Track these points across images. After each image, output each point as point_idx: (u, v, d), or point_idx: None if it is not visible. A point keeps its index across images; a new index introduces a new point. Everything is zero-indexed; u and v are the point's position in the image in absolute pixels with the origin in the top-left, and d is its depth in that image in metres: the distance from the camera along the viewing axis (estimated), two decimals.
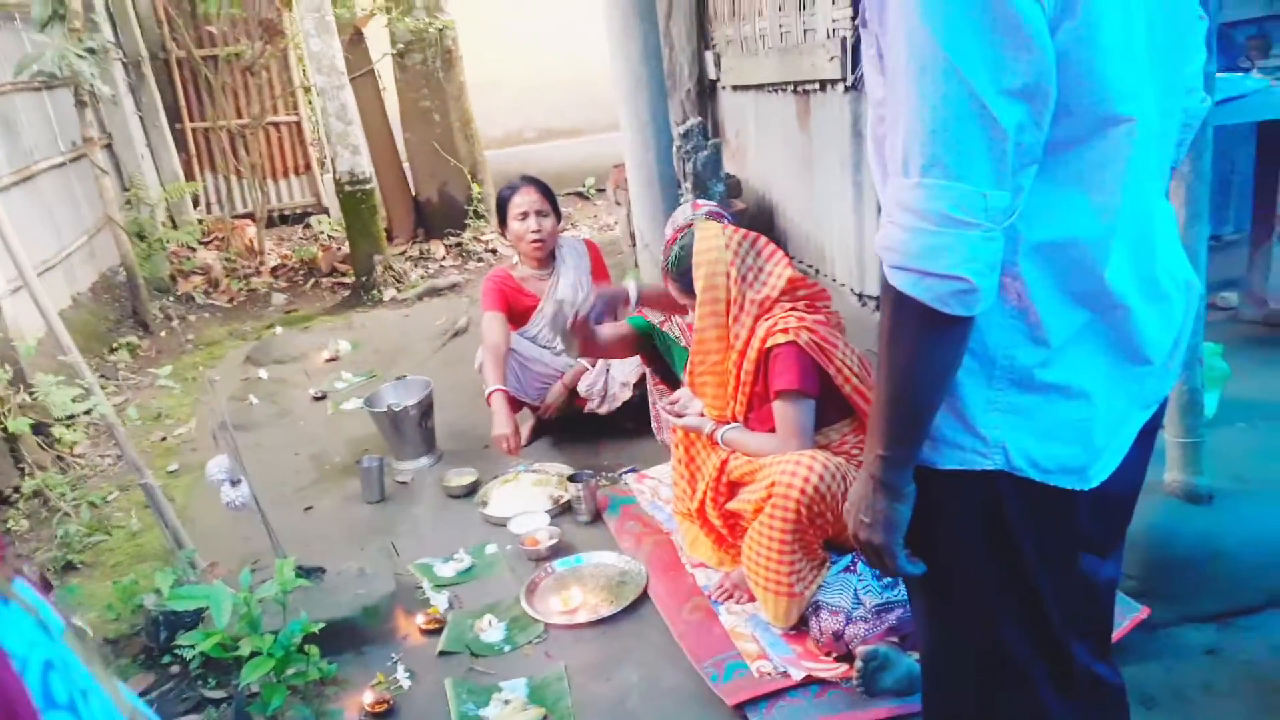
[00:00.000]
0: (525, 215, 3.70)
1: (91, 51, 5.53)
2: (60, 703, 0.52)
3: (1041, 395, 1.14)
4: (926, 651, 1.41)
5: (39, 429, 3.91)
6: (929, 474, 1.20)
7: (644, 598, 2.64)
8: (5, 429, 3.69)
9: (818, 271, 4.27)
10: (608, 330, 3.02)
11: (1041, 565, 1.21)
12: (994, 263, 1.02)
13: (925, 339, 1.07)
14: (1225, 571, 2.21)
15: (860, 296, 3.86)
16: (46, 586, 2.73)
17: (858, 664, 2.04)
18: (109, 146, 7.03)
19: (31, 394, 3.87)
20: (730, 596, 2.52)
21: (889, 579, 2.25)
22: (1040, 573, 1.22)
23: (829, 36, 3.62)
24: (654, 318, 3.11)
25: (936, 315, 1.03)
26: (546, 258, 3.81)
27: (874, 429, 1.17)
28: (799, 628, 2.33)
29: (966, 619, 1.30)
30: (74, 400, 3.87)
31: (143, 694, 2.45)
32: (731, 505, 2.49)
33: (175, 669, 2.53)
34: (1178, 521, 2.24)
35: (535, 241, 3.71)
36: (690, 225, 2.66)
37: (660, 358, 3.15)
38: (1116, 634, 2.11)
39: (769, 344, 2.39)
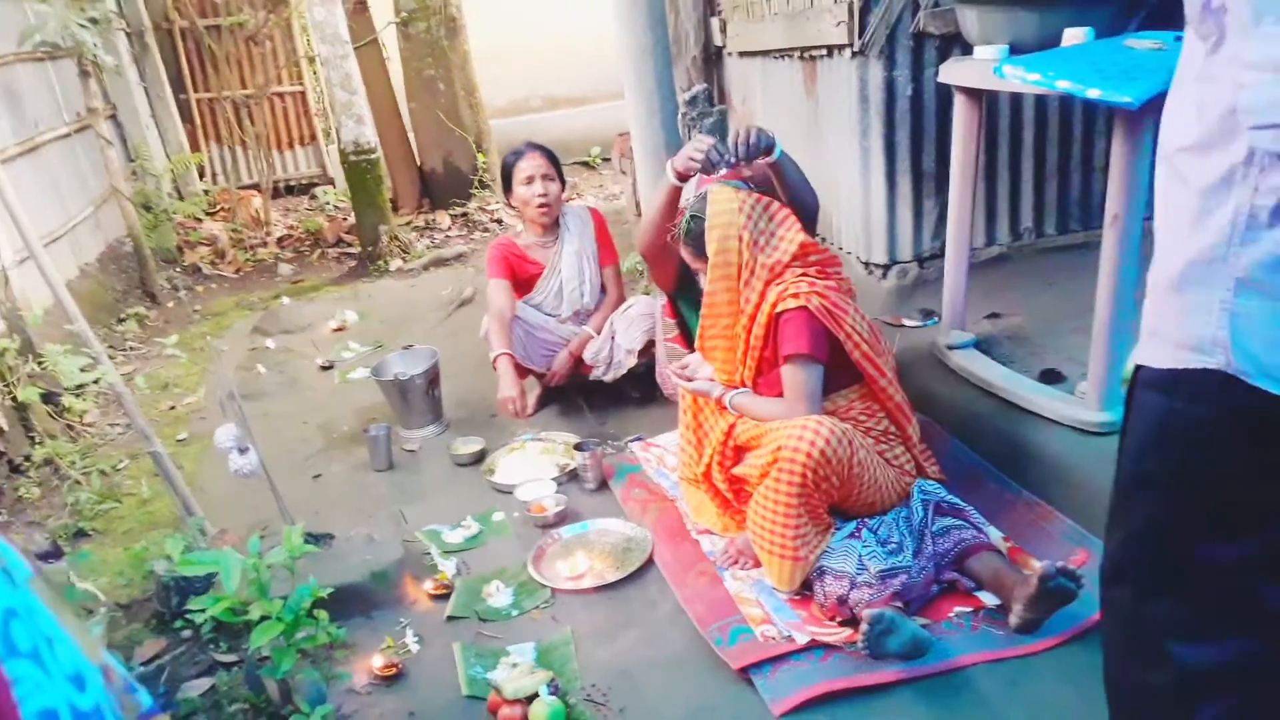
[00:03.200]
0: (531, 180, 3.69)
1: (94, 21, 5.50)
2: (23, 650, 0.51)
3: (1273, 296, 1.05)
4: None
5: (48, 398, 3.93)
6: (1143, 374, 1.19)
7: (649, 564, 2.66)
8: (15, 398, 3.71)
9: (824, 240, 4.25)
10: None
11: (1263, 494, 1.11)
12: None
13: None
14: None
15: (867, 265, 3.84)
16: (58, 553, 2.75)
17: (863, 627, 2.06)
18: (113, 117, 7.02)
19: (40, 363, 3.89)
20: (735, 562, 2.54)
21: (893, 546, 2.26)
22: (1262, 504, 1.11)
23: (836, 1, 3.57)
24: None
25: None
26: (551, 224, 3.80)
27: None
28: (803, 592, 2.35)
29: (1152, 527, 1.22)
30: (82, 370, 3.90)
31: (155, 658, 2.48)
32: (738, 470, 2.49)
33: (187, 634, 2.56)
34: None
35: (541, 206, 3.69)
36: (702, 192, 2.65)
37: (684, 310, 3.15)
38: None
39: (779, 309, 2.39)
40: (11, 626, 0.51)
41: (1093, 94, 2.17)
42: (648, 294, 4.12)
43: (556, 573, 2.69)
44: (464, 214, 7.52)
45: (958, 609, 2.25)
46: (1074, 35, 2.51)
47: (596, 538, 2.85)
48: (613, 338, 3.64)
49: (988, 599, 2.25)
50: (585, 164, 9.15)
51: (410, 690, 2.29)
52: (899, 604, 2.18)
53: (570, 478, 3.22)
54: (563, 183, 3.79)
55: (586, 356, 3.68)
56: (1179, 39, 2.08)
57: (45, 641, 0.53)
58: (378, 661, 2.33)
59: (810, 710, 2.02)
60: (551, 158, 3.75)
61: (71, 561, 2.56)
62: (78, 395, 4.12)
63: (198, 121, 8.37)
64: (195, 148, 8.24)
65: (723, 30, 5.16)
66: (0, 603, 0.50)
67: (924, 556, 2.27)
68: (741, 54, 5.00)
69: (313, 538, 2.70)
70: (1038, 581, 2.01)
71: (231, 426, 2.67)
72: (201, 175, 8.23)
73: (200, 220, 7.45)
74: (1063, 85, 2.25)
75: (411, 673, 2.34)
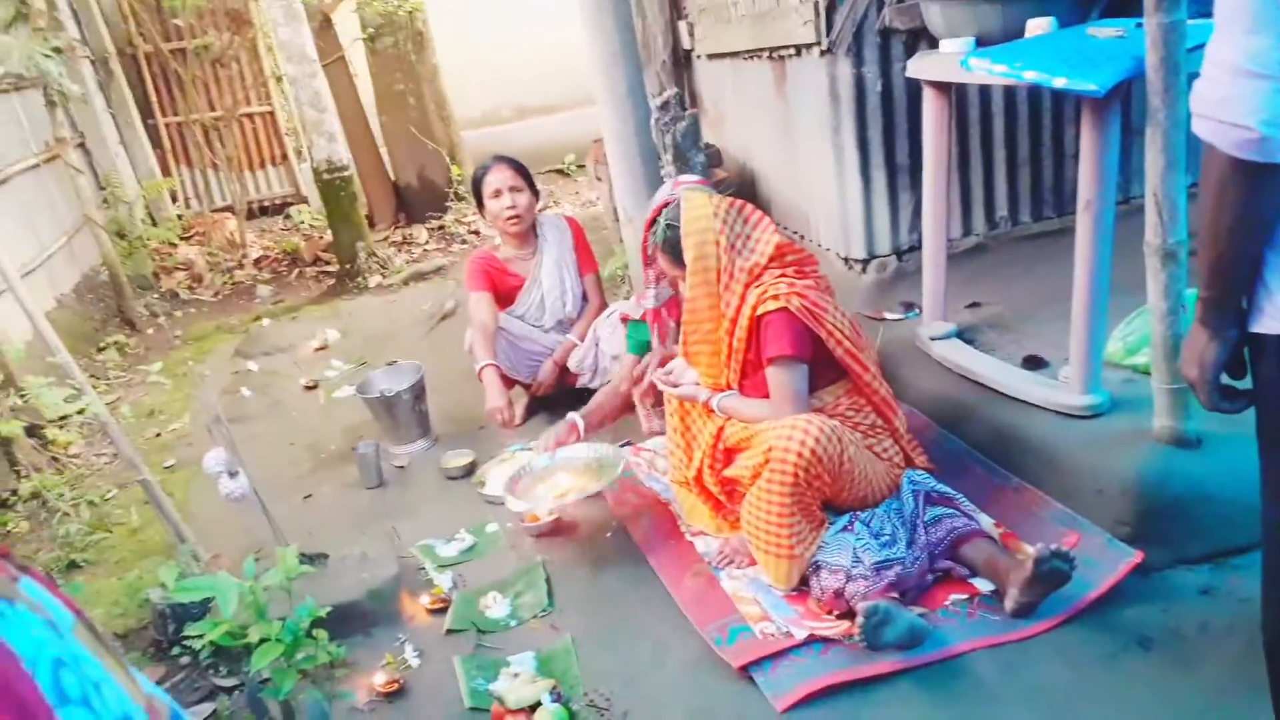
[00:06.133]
0: (499, 193, 3.70)
1: (58, 50, 5.47)
2: (73, 697, 0.53)
3: None
4: (1265, 511, 1.44)
5: (32, 431, 3.90)
6: (1251, 338, 1.30)
7: (644, 562, 2.67)
8: None
9: (802, 237, 4.28)
10: (613, 392, 3.38)
11: None
12: None
13: (1227, 185, 1.17)
14: (1216, 513, 2.24)
15: (846, 260, 3.87)
16: (51, 586, 2.74)
17: (859, 620, 2.07)
18: (82, 145, 6.97)
19: (22, 397, 3.86)
20: (731, 562, 2.55)
21: (886, 538, 2.29)
22: None
23: (802, 1, 3.60)
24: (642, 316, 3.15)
25: (1238, 162, 1.12)
26: (527, 234, 3.81)
27: (1196, 272, 1.28)
28: (800, 588, 2.36)
29: None
30: (65, 400, 3.87)
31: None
32: (729, 472, 2.51)
33: (185, 660, 2.55)
34: (1167, 467, 2.28)
35: (511, 218, 3.71)
36: (673, 199, 2.67)
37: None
38: (1111, 580, 2.16)
39: (760, 311, 2.41)
40: (61, 675, 0.52)
41: (1059, 83, 2.20)
42: (628, 299, 4.14)
43: (539, 496, 2.83)
44: (441, 227, 7.51)
45: (953, 596, 2.27)
46: (1037, 25, 2.55)
47: (564, 464, 3.00)
48: (596, 344, 3.65)
49: (982, 585, 2.27)
50: (560, 172, 9.15)
51: (413, 706, 2.29)
52: (895, 594, 2.21)
53: None
54: (535, 193, 3.80)
55: (571, 364, 3.69)
56: (1139, 26, 2.12)
57: (93, 687, 0.55)
58: (379, 679, 2.34)
59: (812, 705, 2.04)
60: (519, 169, 3.76)
61: (65, 594, 2.54)
62: (61, 427, 4.09)
63: (167, 146, 8.32)
64: (166, 173, 8.19)
65: (691, 33, 5.19)
66: (48, 652, 0.52)
67: (917, 546, 2.29)
68: (710, 56, 5.03)
69: (307, 558, 2.69)
70: (1032, 565, 2.04)
71: (220, 451, 2.66)
72: (174, 200, 8.18)
73: (175, 245, 7.41)
74: (1029, 76, 2.28)
75: (413, 688, 2.34)
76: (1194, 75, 1.21)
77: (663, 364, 2.93)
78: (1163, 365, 2.25)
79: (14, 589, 0.54)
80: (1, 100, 5.77)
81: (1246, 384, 1.39)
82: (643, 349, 3.27)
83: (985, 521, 2.47)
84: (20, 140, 5.91)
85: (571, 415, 3.23)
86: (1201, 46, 1.28)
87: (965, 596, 2.27)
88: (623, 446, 3.40)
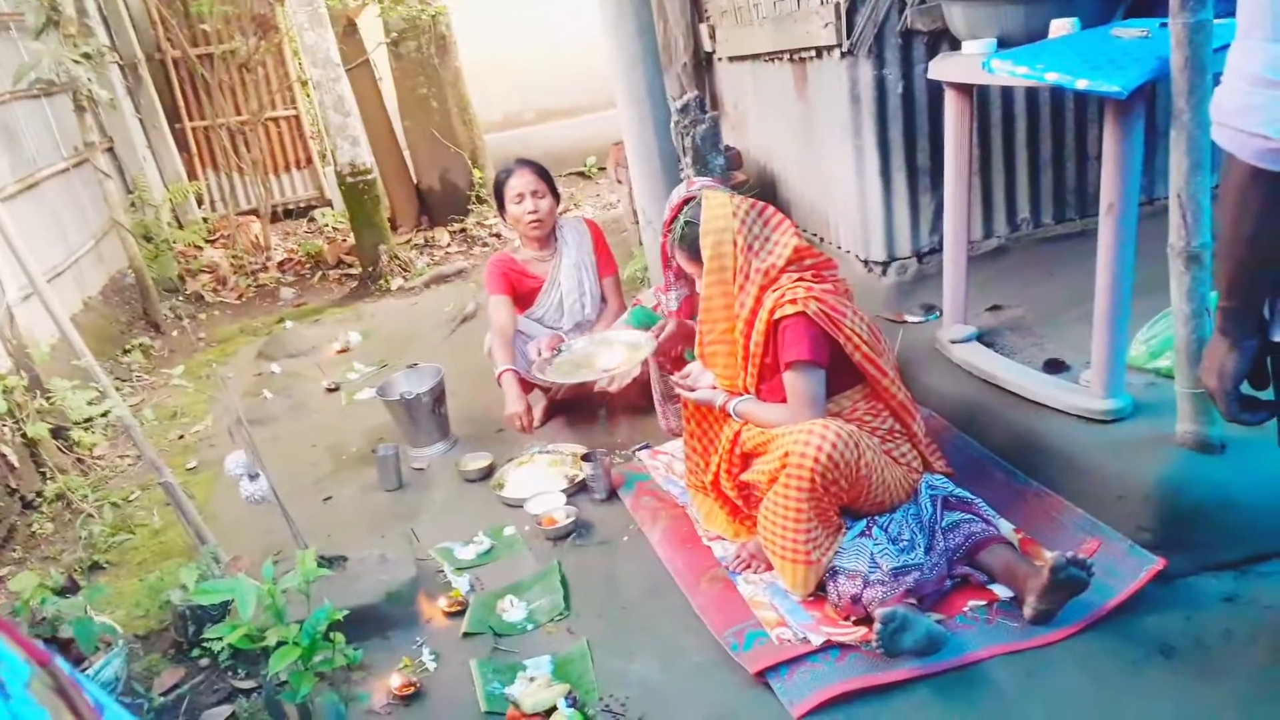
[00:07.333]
0: (521, 197, 3.71)
1: (87, 56, 5.53)
2: None
3: None
4: None
5: (58, 433, 3.95)
6: (1273, 348, 1.30)
7: (658, 563, 2.66)
8: (25, 434, 3.73)
9: (822, 240, 4.26)
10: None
11: None
12: None
13: (1247, 193, 1.15)
14: (1241, 520, 2.20)
15: (866, 263, 3.84)
16: (74, 587, 2.75)
17: (876, 626, 2.06)
18: (110, 150, 7.05)
19: (49, 399, 3.91)
20: (748, 566, 2.54)
21: (904, 543, 2.27)
22: None
23: (823, 3, 3.58)
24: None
25: (1259, 171, 1.11)
26: (547, 238, 3.81)
27: (1216, 280, 1.27)
28: (817, 593, 2.35)
29: None
30: (90, 403, 3.92)
31: (174, 688, 2.49)
32: (746, 476, 2.50)
33: (205, 661, 2.58)
34: (1191, 472, 2.24)
35: (533, 222, 3.71)
36: (692, 198, 2.67)
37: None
38: (1133, 586, 2.13)
39: (777, 315, 2.40)
40: None
41: (1081, 84, 2.18)
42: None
43: (595, 371, 3.18)
44: (462, 230, 7.54)
45: (971, 603, 2.25)
46: (1060, 26, 2.52)
47: (585, 358, 3.29)
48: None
49: (1001, 592, 2.25)
50: (581, 174, 9.16)
51: (429, 709, 2.29)
52: (912, 600, 2.19)
53: (579, 489, 3.22)
54: (556, 197, 3.81)
55: None
56: (1164, 25, 2.09)
57: None
58: (395, 681, 2.34)
59: (829, 711, 2.02)
60: (542, 173, 3.76)
61: (88, 595, 2.57)
62: (86, 429, 4.14)
63: (194, 150, 8.40)
64: (192, 176, 8.28)
65: (711, 36, 5.17)
66: None
67: (935, 552, 2.27)
68: (731, 59, 5.02)
69: (326, 561, 2.71)
70: (1049, 572, 2.02)
71: (241, 453, 2.68)
72: (200, 203, 8.26)
73: (200, 248, 7.48)
74: (1051, 77, 2.26)
75: (430, 691, 2.35)
76: (1220, 76, 1.20)
77: (676, 360, 2.94)
78: (1186, 369, 2.22)
79: None
80: (32, 106, 5.85)
81: (1269, 394, 1.37)
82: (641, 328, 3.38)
83: (1004, 527, 2.44)
84: (50, 145, 5.99)
85: (556, 332, 3.56)
86: (1227, 47, 1.27)
87: (984, 603, 2.24)
88: (641, 449, 3.41)
